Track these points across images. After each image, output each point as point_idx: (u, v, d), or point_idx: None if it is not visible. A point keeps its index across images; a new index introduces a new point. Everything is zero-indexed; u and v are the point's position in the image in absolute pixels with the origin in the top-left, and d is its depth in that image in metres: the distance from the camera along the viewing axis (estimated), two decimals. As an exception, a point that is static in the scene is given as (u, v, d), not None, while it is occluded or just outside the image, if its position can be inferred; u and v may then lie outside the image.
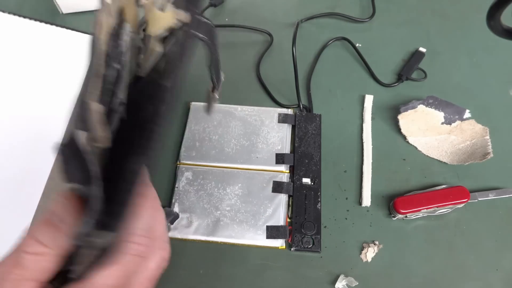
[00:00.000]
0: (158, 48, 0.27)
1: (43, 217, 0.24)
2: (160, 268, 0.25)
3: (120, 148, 0.24)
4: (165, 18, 0.28)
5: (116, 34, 0.28)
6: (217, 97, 0.34)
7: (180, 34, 0.27)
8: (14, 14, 0.49)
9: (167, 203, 0.44)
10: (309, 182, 0.44)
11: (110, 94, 0.25)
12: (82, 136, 0.22)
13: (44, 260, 0.23)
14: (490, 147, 0.45)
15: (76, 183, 0.23)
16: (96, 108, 0.23)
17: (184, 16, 0.27)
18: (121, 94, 0.25)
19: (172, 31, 0.27)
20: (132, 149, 0.24)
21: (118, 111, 0.25)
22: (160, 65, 0.27)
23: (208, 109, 0.36)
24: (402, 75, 0.52)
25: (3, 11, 0.49)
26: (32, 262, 0.23)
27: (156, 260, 0.25)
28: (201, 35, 0.28)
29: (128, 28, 0.28)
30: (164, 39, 0.27)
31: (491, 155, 0.45)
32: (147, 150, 0.25)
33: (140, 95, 0.28)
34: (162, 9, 0.27)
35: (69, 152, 0.23)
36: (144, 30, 0.29)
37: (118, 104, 0.25)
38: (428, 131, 0.47)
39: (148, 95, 0.27)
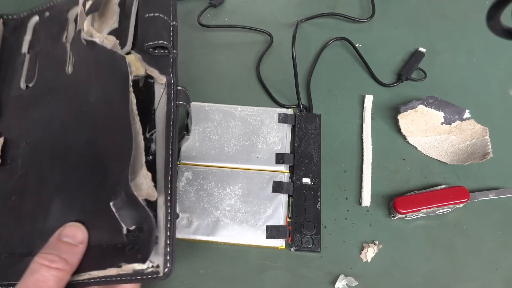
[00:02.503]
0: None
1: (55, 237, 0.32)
2: None
3: None
4: (137, 67, 0.36)
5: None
6: (190, 138, 0.46)
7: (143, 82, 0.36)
8: None
9: (167, 203, 0.44)
10: (309, 182, 0.44)
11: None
12: None
13: (66, 275, 0.30)
14: (490, 147, 0.45)
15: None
16: None
17: (160, 77, 0.35)
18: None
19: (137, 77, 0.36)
20: None
21: None
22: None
23: (181, 145, 0.45)
24: (402, 75, 0.52)
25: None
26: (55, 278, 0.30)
27: None
28: (182, 103, 0.36)
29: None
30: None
31: (491, 155, 0.45)
32: None
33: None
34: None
35: None
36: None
37: None
38: (428, 131, 0.47)
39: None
